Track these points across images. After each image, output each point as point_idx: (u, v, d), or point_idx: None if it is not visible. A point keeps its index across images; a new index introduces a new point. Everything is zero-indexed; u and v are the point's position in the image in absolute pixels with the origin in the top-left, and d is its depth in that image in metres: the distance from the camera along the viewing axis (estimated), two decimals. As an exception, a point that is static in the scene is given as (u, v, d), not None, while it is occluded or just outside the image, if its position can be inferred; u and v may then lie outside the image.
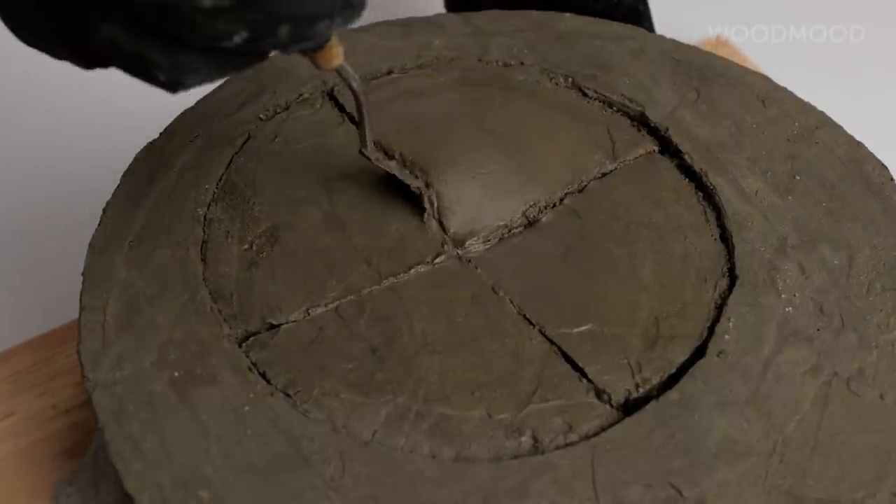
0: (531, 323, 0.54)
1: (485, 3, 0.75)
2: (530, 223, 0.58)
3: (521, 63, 0.68)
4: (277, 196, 0.59)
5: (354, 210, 0.58)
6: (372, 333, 0.53)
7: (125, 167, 0.62)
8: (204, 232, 0.58)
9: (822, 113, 0.64)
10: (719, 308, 0.54)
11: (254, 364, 0.52)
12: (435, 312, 0.54)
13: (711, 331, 0.53)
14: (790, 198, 0.59)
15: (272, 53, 0.45)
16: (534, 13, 0.71)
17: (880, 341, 0.53)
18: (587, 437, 0.49)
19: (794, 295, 0.55)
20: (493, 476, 0.48)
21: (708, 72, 0.67)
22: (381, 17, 0.71)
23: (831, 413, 0.50)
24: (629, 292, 0.55)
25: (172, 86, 0.45)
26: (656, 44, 0.69)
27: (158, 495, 0.48)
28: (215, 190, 0.60)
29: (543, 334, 0.53)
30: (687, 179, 0.61)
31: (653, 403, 0.50)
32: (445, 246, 0.57)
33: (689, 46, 0.69)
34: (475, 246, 0.57)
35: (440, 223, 0.57)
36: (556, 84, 0.66)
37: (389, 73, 0.67)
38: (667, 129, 0.63)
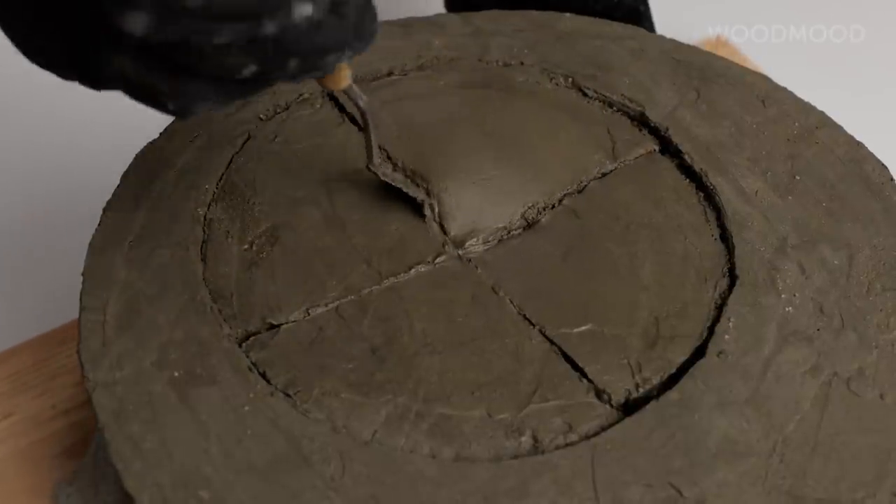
0: (531, 323, 0.54)
1: (485, 3, 0.75)
2: (529, 224, 0.58)
3: (521, 63, 0.68)
4: (277, 196, 0.59)
5: (354, 210, 0.58)
6: (372, 333, 0.53)
7: (125, 167, 0.62)
8: (204, 232, 0.58)
9: (822, 113, 0.64)
10: (719, 308, 0.54)
11: (254, 364, 0.52)
12: (435, 312, 0.54)
13: (711, 331, 0.53)
14: (790, 198, 0.59)
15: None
16: (534, 13, 0.71)
17: (880, 341, 0.53)
18: (587, 437, 0.49)
19: (794, 295, 0.55)
20: (493, 476, 0.48)
21: (708, 72, 0.67)
22: (381, 17, 0.71)
23: (831, 413, 0.50)
24: (629, 292, 0.55)
25: (181, 113, 0.45)
26: (656, 44, 0.69)
27: (158, 495, 0.48)
28: (215, 190, 0.60)
29: (543, 334, 0.53)
30: (687, 179, 0.61)
31: (653, 403, 0.50)
32: (446, 246, 0.57)
33: (689, 46, 0.69)
34: (475, 247, 0.57)
35: (441, 227, 0.58)
36: (556, 84, 0.66)
37: (390, 74, 0.67)
38: (667, 129, 0.63)
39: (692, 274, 0.56)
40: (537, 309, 0.54)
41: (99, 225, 0.59)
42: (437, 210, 0.58)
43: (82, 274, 0.56)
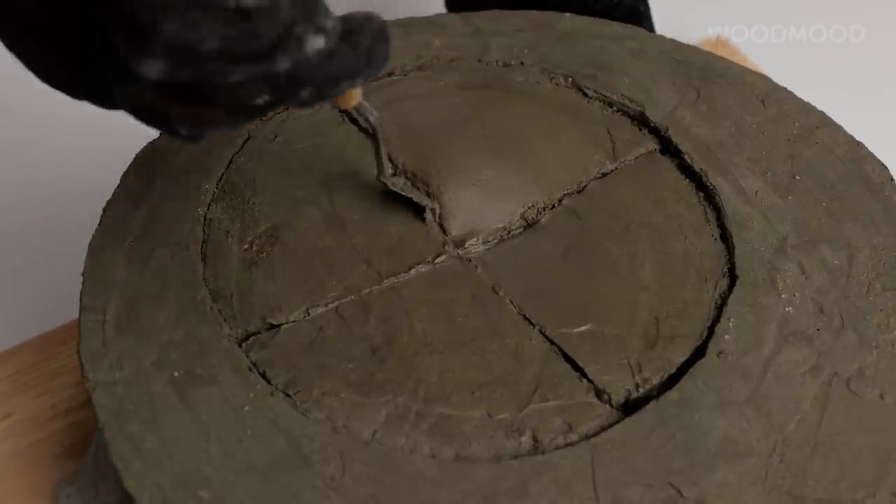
0: (531, 323, 0.54)
1: (485, 3, 0.75)
2: (529, 224, 0.58)
3: (522, 63, 0.68)
4: (277, 196, 0.59)
5: (354, 210, 0.58)
6: (372, 333, 0.53)
7: (125, 167, 0.62)
8: (204, 232, 0.58)
9: (822, 113, 0.64)
10: (719, 308, 0.54)
11: (254, 364, 0.52)
12: (435, 312, 0.54)
13: (711, 331, 0.53)
14: (790, 198, 0.59)
15: None
16: (534, 13, 0.71)
17: (880, 341, 0.53)
18: (587, 437, 0.49)
19: (794, 295, 0.55)
20: (493, 476, 0.48)
21: (708, 72, 0.67)
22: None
23: (831, 413, 0.50)
24: (629, 292, 0.55)
25: (193, 138, 0.46)
26: (656, 44, 0.69)
27: (158, 495, 0.48)
28: (215, 190, 0.60)
29: (543, 334, 0.53)
30: (687, 179, 0.61)
31: (653, 403, 0.50)
32: (446, 246, 0.57)
33: (689, 46, 0.69)
34: (475, 246, 0.57)
35: (441, 227, 0.58)
36: (557, 84, 0.66)
37: (390, 74, 0.67)
38: (667, 129, 0.63)
39: (692, 274, 0.56)
40: (537, 309, 0.54)
41: (99, 225, 0.59)
42: (437, 213, 0.58)
43: (82, 274, 0.56)
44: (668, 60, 0.67)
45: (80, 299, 0.55)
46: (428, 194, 0.58)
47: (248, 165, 0.61)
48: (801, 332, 0.53)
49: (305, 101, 0.44)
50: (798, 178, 0.60)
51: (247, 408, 0.51)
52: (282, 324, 0.54)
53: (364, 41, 0.45)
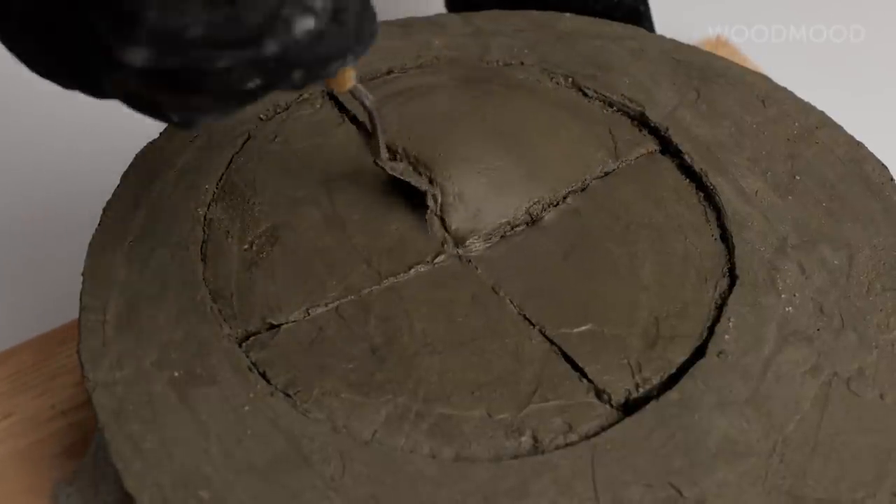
0: (531, 323, 0.54)
1: (485, 3, 0.75)
2: (533, 221, 0.58)
3: (522, 63, 0.68)
4: (277, 196, 0.59)
5: (354, 210, 0.58)
6: (372, 333, 0.53)
7: (125, 167, 0.62)
8: (204, 232, 0.58)
9: (822, 113, 0.64)
10: (719, 308, 0.54)
11: (254, 364, 0.52)
12: (435, 312, 0.54)
13: (711, 331, 0.53)
14: (790, 198, 0.59)
15: None
16: (534, 13, 0.71)
17: (880, 341, 0.53)
18: (587, 437, 0.49)
19: (794, 295, 0.55)
20: (493, 476, 0.48)
21: (708, 72, 0.67)
22: (381, 17, 0.71)
23: (831, 413, 0.50)
24: (629, 292, 0.55)
25: (185, 125, 0.45)
26: (656, 44, 0.69)
27: (158, 495, 0.48)
28: (215, 190, 0.60)
29: (543, 334, 0.53)
30: (687, 179, 0.61)
31: (653, 403, 0.50)
32: (445, 245, 0.57)
33: (689, 46, 0.69)
34: (476, 244, 0.57)
35: (442, 220, 0.57)
36: (557, 83, 0.66)
37: (390, 72, 0.67)
38: (667, 129, 0.63)
39: (692, 274, 0.56)
40: (537, 309, 0.54)
41: (99, 225, 0.59)
42: (439, 200, 0.58)
43: (82, 274, 0.56)
44: (668, 60, 0.67)
45: (80, 299, 0.56)
46: (430, 181, 0.58)
47: (248, 165, 0.61)
48: (801, 332, 0.53)
49: (297, 83, 0.44)
50: (798, 178, 0.60)
51: (247, 408, 0.51)
52: (282, 324, 0.54)
53: (351, 19, 0.44)
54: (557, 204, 0.59)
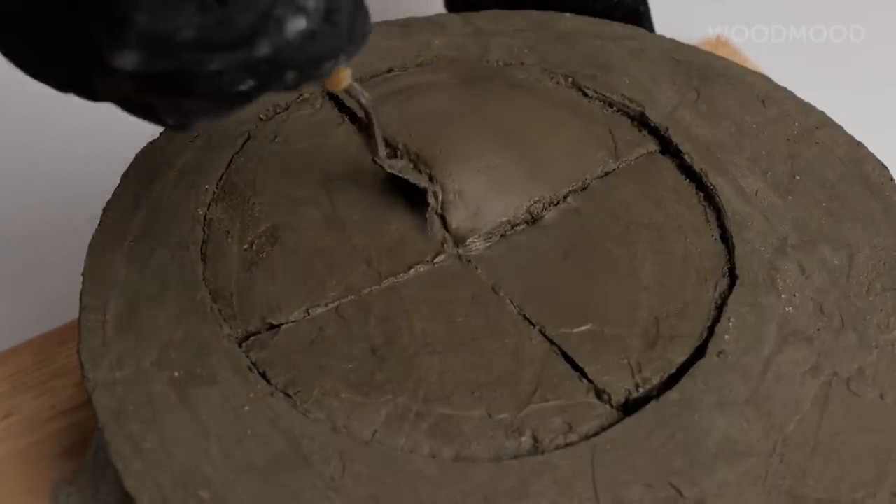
0: (531, 323, 0.54)
1: (485, 3, 0.75)
2: (533, 220, 0.58)
3: (522, 63, 0.68)
4: (277, 196, 0.59)
5: (354, 210, 0.58)
6: (372, 333, 0.53)
7: (125, 167, 0.62)
8: (204, 232, 0.58)
9: (822, 113, 0.64)
10: (719, 308, 0.54)
11: (254, 364, 0.52)
12: (435, 312, 0.54)
13: (711, 331, 0.53)
14: (790, 198, 0.59)
15: None
16: (534, 13, 0.71)
17: (880, 341, 0.53)
18: (587, 437, 0.49)
19: (794, 295, 0.55)
20: (493, 476, 0.48)
21: (708, 72, 0.67)
22: (381, 17, 0.71)
23: (831, 413, 0.50)
24: (629, 292, 0.55)
25: (179, 127, 0.45)
26: (656, 44, 0.69)
27: (158, 495, 0.48)
28: (215, 190, 0.60)
29: (543, 334, 0.53)
30: (687, 179, 0.61)
31: (653, 403, 0.50)
32: (445, 245, 0.57)
33: (689, 46, 0.69)
34: (476, 244, 0.57)
35: (443, 218, 0.57)
36: (557, 84, 0.66)
37: (390, 70, 0.67)
38: (667, 129, 0.63)
39: (692, 274, 0.56)
40: (537, 309, 0.54)
41: (99, 225, 0.59)
42: (440, 198, 0.57)
43: (82, 274, 0.56)
44: (668, 60, 0.67)
45: (80, 299, 0.55)
46: (430, 178, 0.58)
47: (248, 165, 0.61)
48: (801, 332, 0.53)
49: (290, 84, 0.44)
50: (798, 178, 0.60)
51: (247, 408, 0.51)
52: (282, 324, 0.54)
53: (343, 19, 0.44)
54: (558, 203, 0.59)
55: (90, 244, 0.58)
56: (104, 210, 0.60)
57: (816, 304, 0.54)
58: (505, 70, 0.67)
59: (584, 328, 0.53)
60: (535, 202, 0.59)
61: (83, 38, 0.42)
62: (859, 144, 0.62)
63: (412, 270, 0.56)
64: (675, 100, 0.65)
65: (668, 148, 0.62)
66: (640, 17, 0.83)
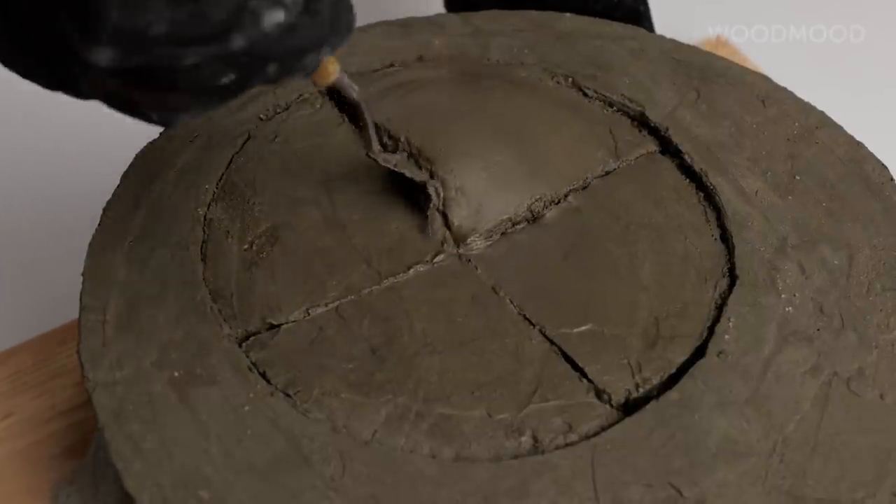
0: (531, 323, 0.54)
1: (485, 3, 0.75)
2: (534, 218, 0.58)
3: (522, 63, 0.68)
4: (277, 196, 0.59)
5: (354, 210, 0.58)
6: (372, 333, 0.53)
7: (125, 167, 0.62)
8: (204, 232, 0.58)
9: (822, 113, 0.64)
10: (719, 308, 0.54)
11: (254, 364, 0.52)
12: (435, 312, 0.54)
13: (711, 331, 0.53)
14: (790, 198, 0.59)
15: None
16: (534, 13, 0.71)
17: (880, 341, 0.53)
18: (587, 437, 0.49)
19: (794, 295, 0.55)
20: (493, 476, 0.48)
21: (708, 72, 0.67)
22: (381, 17, 0.71)
23: (831, 413, 0.50)
24: (629, 292, 0.55)
25: (165, 123, 0.45)
26: (656, 44, 0.69)
27: (158, 495, 0.48)
28: (215, 190, 0.60)
29: (543, 334, 0.53)
30: (687, 179, 0.61)
31: (653, 403, 0.50)
32: (445, 245, 0.57)
33: (689, 46, 0.69)
34: (476, 243, 0.57)
35: (444, 216, 0.57)
36: (558, 83, 0.66)
37: (391, 65, 0.67)
38: (667, 129, 0.63)
39: (692, 274, 0.56)
40: (537, 309, 0.54)
41: (99, 225, 0.59)
42: (441, 194, 0.57)
43: (82, 274, 0.56)
44: (668, 60, 0.67)
45: (80, 299, 0.55)
46: (431, 175, 0.57)
47: (248, 165, 0.61)
48: (801, 332, 0.53)
49: (272, 77, 0.43)
50: (798, 178, 0.60)
51: (247, 408, 0.51)
52: (282, 324, 0.54)
53: (325, 10, 0.43)
54: (558, 202, 0.59)
55: (90, 244, 0.58)
56: (104, 210, 0.60)
57: (816, 304, 0.54)
58: (506, 69, 0.67)
59: (584, 328, 0.53)
60: (536, 200, 0.58)
61: (60, 36, 0.43)
62: (859, 144, 0.62)
63: (412, 270, 0.56)
64: (675, 100, 0.65)
65: (668, 148, 0.62)
66: (640, 17, 0.83)
